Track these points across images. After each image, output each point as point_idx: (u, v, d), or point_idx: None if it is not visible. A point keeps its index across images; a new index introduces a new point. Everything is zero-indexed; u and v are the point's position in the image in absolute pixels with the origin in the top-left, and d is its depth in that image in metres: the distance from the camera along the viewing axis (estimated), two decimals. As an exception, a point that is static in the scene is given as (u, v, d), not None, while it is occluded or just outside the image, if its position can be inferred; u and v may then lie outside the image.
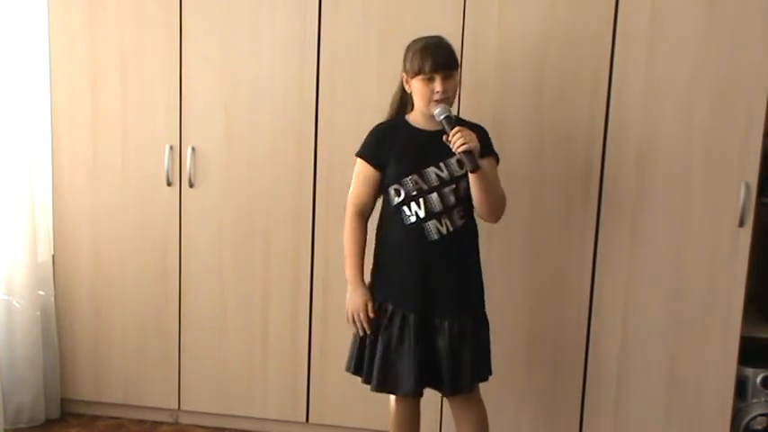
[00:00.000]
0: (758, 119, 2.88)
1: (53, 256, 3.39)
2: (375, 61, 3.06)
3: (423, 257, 2.56)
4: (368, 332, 2.59)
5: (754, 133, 2.89)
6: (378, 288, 2.63)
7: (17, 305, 3.27)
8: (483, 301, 2.68)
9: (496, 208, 2.57)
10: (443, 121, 2.46)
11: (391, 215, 2.61)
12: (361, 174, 2.64)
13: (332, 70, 3.10)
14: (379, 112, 3.06)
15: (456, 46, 2.96)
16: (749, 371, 3.09)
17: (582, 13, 2.93)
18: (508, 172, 2.77)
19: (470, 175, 2.47)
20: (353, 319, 2.60)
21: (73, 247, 3.36)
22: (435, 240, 2.54)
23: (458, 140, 2.39)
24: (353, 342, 2.67)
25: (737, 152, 2.91)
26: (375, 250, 2.67)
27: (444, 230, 2.54)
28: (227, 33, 3.15)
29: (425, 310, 2.56)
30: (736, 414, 3.09)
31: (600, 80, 2.95)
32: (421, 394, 2.64)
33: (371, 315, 2.58)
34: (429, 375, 2.58)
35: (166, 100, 3.21)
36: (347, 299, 2.63)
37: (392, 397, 2.70)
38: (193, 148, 3.22)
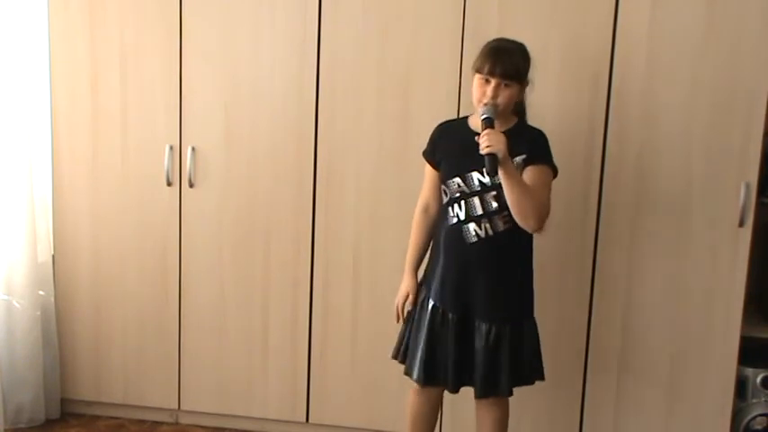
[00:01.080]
0: (758, 119, 2.88)
1: (53, 256, 3.39)
2: (375, 61, 3.06)
3: (461, 259, 2.58)
4: (398, 321, 2.73)
5: (754, 133, 2.89)
6: (424, 283, 2.69)
7: (17, 305, 3.27)
8: (525, 307, 2.65)
9: (524, 213, 2.45)
10: (482, 122, 2.44)
11: (442, 214, 2.65)
12: (425, 171, 2.73)
13: (332, 70, 3.10)
14: (379, 112, 3.08)
15: (455, 45, 2.98)
16: (749, 371, 3.09)
17: (582, 13, 2.93)
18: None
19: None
20: (396, 305, 2.74)
21: (73, 247, 3.36)
22: (474, 243, 2.54)
23: (483, 142, 2.38)
24: (400, 332, 2.76)
25: (737, 152, 2.91)
26: (430, 247, 2.73)
27: (483, 234, 2.53)
28: (227, 33, 3.15)
29: (465, 310, 2.58)
30: (736, 414, 3.09)
31: (600, 80, 2.95)
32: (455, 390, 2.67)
33: (408, 308, 2.70)
34: (468, 374, 2.61)
35: (166, 100, 3.21)
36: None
37: (414, 388, 2.73)
38: (193, 148, 3.22)
